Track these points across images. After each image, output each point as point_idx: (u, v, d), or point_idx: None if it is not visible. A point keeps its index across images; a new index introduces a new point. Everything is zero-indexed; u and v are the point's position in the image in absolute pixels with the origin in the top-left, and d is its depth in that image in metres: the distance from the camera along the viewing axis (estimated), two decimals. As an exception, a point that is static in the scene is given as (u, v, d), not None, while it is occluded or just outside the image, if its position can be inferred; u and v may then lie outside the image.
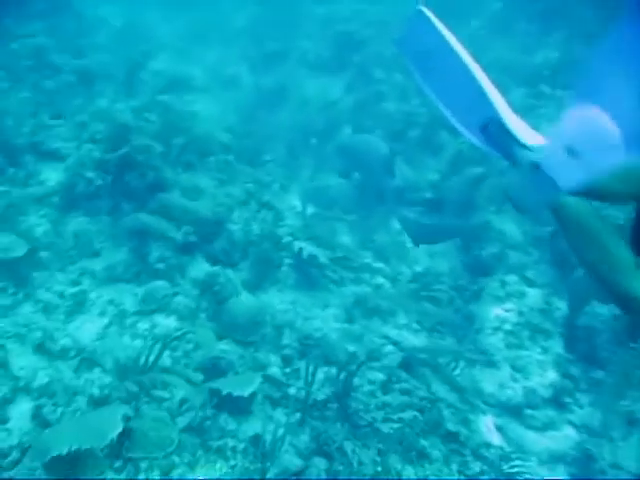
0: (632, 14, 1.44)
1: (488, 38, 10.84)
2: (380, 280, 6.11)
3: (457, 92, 2.02)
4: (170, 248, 5.55)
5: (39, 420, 3.96)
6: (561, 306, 5.71)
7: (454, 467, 4.13)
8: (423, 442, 4.21)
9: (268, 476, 3.78)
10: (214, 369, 4.48)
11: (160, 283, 5.29)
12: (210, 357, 4.56)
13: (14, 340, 4.59)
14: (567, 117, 1.65)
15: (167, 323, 4.99)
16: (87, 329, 4.84)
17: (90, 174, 5.98)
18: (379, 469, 3.95)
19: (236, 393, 4.00)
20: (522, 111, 2.02)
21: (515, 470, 4.22)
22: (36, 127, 7.06)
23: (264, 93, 10.11)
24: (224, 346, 4.82)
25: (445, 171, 7.48)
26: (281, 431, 3.96)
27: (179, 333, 4.76)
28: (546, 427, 4.76)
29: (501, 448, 4.46)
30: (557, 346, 5.40)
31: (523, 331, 5.57)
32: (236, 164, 7.06)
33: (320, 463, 3.92)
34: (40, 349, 4.56)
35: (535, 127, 1.90)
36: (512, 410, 4.87)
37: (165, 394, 4.19)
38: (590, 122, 1.57)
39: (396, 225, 6.84)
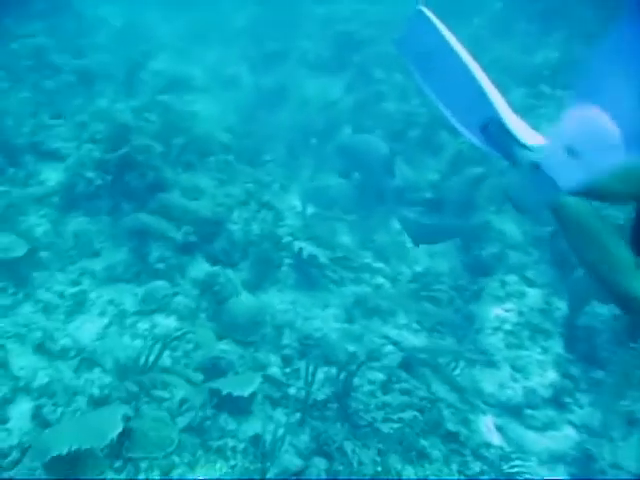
0: (632, 14, 1.44)
1: (488, 38, 10.85)
2: (380, 280, 6.11)
3: (457, 92, 2.02)
4: (170, 248, 5.55)
5: (39, 420, 3.96)
6: (561, 306, 5.71)
7: (454, 467, 4.13)
8: (423, 442, 4.21)
9: (268, 476, 3.78)
10: (214, 369, 4.48)
11: (160, 283, 5.29)
12: (210, 357, 4.56)
13: (14, 340, 4.59)
14: (567, 117, 1.64)
15: (167, 323, 4.99)
16: (87, 329, 4.84)
17: (90, 174, 5.98)
18: (379, 469, 3.95)
19: (236, 393, 4.00)
20: (522, 111, 2.02)
21: (515, 470, 4.22)
22: (36, 127, 7.06)
23: (264, 93, 10.11)
24: (224, 346, 4.81)
25: (445, 171, 7.48)
26: (281, 431, 3.96)
27: (179, 333, 4.75)
28: (546, 427, 4.76)
29: (501, 448, 4.46)
30: (557, 346, 5.40)
31: (523, 331, 5.57)
32: (236, 164, 7.06)
33: (320, 463, 3.92)
34: (40, 349, 4.56)
35: (535, 127, 1.90)
36: (512, 410, 4.87)
37: (165, 394, 4.19)
38: (590, 122, 1.57)
39: (396, 225, 6.84)
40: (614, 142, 1.53)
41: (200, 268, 5.55)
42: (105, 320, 4.96)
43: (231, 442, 3.96)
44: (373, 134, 7.93)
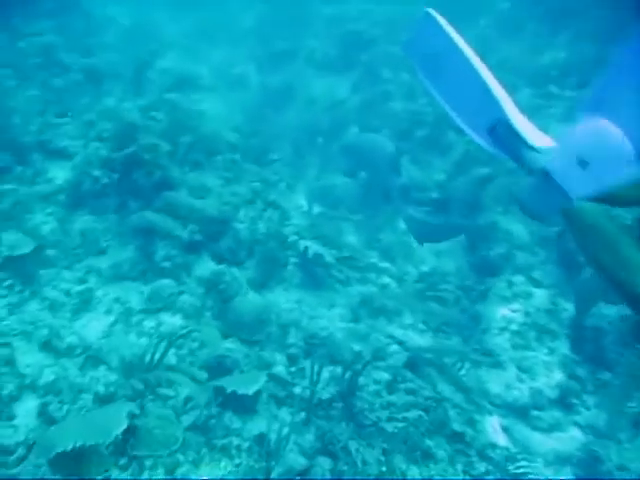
0: None
1: (495, 38, 10.82)
2: (386, 280, 6.11)
3: (465, 94, 2.00)
4: (176, 246, 5.56)
5: (45, 417, 3.98)
6: (568, 307, 5.69)
7: (459, 467, 4.12)
8: (428, 442, 4.20)
9: (272, 475, 3.77)
10: (219, 367, 4.48)
11: (166, 281, 5.30)
12: (215, 355, 4.56)
13: (20, 337, 4.60)
14: (578, 127, 1.64)
15: (173, 321, 5.00)
16: (93, 327, 4.85)
17: (97, 172, 6.00)
18: (384, 469, 3.94)
19: (241, 391, 4.00)
20: (530, 111, 2.00)
21: (521, 471, 4.20)
22: (44, 125, 7.09)
23: (271, 92, 10.12)
24: (229, 344, 4.82)
25: (452, 171, 7.46)
26: (286, 430, 3.95)
27: (184, 331, 4.76)
28: (552, 428, 4.74)
29: (507, 449, 4.44)
30: (564, 347, 5.38)
31: (529, 332, 5.55)
32: (243, 163, 7.06)
33: (325, 462, 3.91)
34: (46, 347, 4.57)
35: (544, 127, 1.89)
36: (518, 411, 4.85)
37: (170, 392, 4.20)
38: (601, 134, 1.57)
39: (402, 225, 6.84)
40: (625, 155, 1.53)
41: (206, 267, 5.55)
42: (111, 318, 4.97)
43: (236, 441, 3.96)
44: (380, 133, 7.93)
